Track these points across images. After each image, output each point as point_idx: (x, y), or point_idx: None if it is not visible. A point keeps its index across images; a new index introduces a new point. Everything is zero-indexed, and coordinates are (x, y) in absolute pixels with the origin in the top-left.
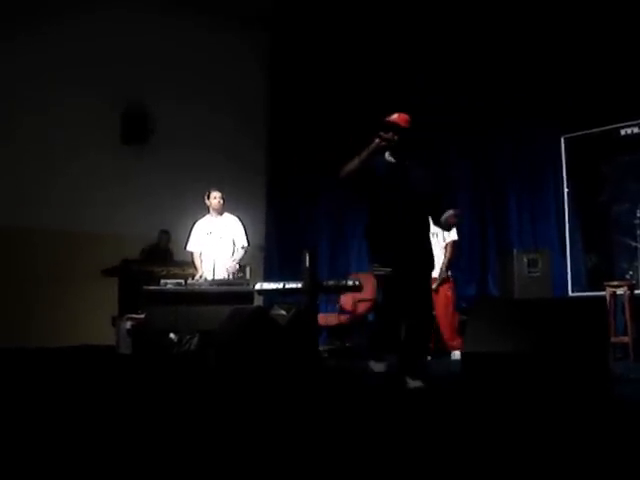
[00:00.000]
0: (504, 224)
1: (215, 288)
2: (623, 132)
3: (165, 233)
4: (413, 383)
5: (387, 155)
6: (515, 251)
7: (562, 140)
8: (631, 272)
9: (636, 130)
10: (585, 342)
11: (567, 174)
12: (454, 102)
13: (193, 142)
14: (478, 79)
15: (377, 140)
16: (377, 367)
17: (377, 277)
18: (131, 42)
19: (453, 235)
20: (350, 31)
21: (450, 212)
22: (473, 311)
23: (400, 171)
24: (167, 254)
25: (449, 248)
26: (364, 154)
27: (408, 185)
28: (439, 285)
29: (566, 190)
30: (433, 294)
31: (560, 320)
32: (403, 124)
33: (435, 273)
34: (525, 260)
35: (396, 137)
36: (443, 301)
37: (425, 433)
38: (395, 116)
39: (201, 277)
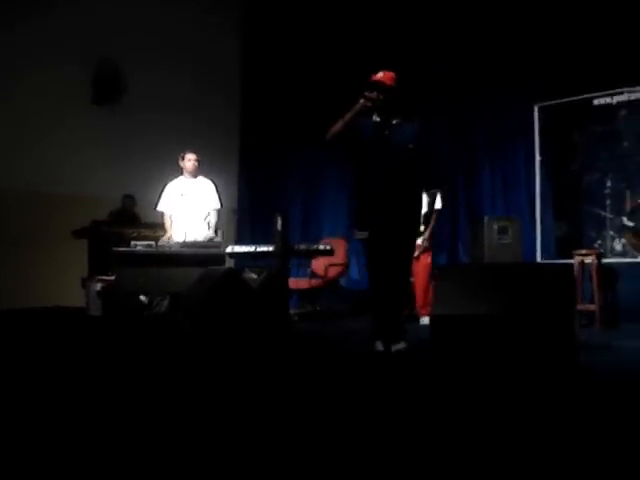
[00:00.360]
0: (475, 191)
1: (186, 250)
2: (596, 102)
3: (129, 197)
4: (396, 346)
5: (374, 116)
6: (485, 218)
7: (535, 109)
8: (599, 241)
9: (609, 100)
10: (551, 307)
11: (540, 143)
12: (429, 71)
13: (166, 104)
14: (453, 48)
15: (362, 100)
16: (380, 346)
17: (361, 242)
18: (102, 2)
19: (437, 204)
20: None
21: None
22: (441, 276)
23: (386, 131)
24: (134, 218)
25: (432, 217)
26: (348, 115)
27: (394, 146)
28: (420, 253)
29: (538, 158)
30: (414, 261)
31: (527, 285)
32: (389, 82)
33: (418, 241)
34: (495, 227)
35: (381, 96)
36: (423, 269)
37: (393, 398)
38: (380, 74)
39: (170, 239)
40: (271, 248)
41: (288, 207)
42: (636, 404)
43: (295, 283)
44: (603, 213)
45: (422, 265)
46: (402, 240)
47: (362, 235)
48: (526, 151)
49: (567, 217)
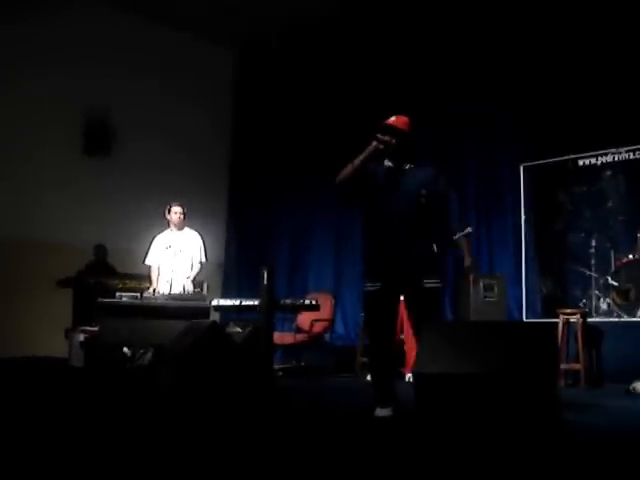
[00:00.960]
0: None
1: (171, 302)
2: (581, 163)
3: (100, 247)
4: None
5: (386, 161)
6: (472, 276)
7: (521, 168)
8: (584, 300)
9: (593, 161)
10: (534, 366)
11: (525, 202)
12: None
13: (153, 155)
14: (440, 105)
15: (374, 143)
16: (382, 412)
17: (365, 295)
18: (94, 46)
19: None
20: (318, 32)
21: (468, 230)
22: (425, 332)
23: (398, 177)
24: (111, 269)
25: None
26: (360, 158)
27: (407, 192)
28: None
29: (523, 217)
30: (404, 317)
31: (511, 344)
32: (401, 127)
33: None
34: (481, 285)
35: (394, 140)
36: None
37: (371, 456)
38: (393, 118)
39: (155, 291)
40: (257, 302)
41: (275, 260)
42: (617, 463)
43: (280, 338)
44: (588, 272)
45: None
46: (422, 292)
47: (373, 287)
48: (512, 210)
49: (552, 276)
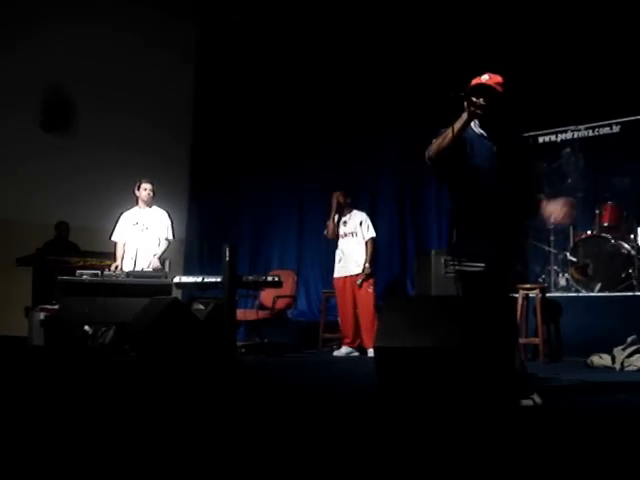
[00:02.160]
0: (424, 225)
1: (132, 280)
2: (541, 140)
3: (62, 224)
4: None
5: (475, 127)
6: (432, 251)
7: None
8: (544, 276)
9: (553, 138)
10: (493, 340)
11: None
12: (380, 99)
13: (115, 132)
14: (400, 81)
15: (471, 108)
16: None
17: (462, 276)
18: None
19: (372, 232)
20: (275, 34)
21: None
22: (386, 307)
23: (495, 146)
24: (73, 246)
25: (369, 245)
26: (456, 125)
27: (506, 163)
28: (363, 281)
29: None
30: (356, 289)
31: (470, 318)
32: (497, 88)
33: (359, 269)
34: (442, 261)
35: (488, 104)
36: (365, 298)
37: (328, 430)
38: (486, 77)
39: (117, 268)
40: (219, 279)
41: (238, 238)
42: (572, 436)
43: (243, 314)
44: (547, 248)
45: (364, 294)
46: (507, 275)
47: (476, 267)
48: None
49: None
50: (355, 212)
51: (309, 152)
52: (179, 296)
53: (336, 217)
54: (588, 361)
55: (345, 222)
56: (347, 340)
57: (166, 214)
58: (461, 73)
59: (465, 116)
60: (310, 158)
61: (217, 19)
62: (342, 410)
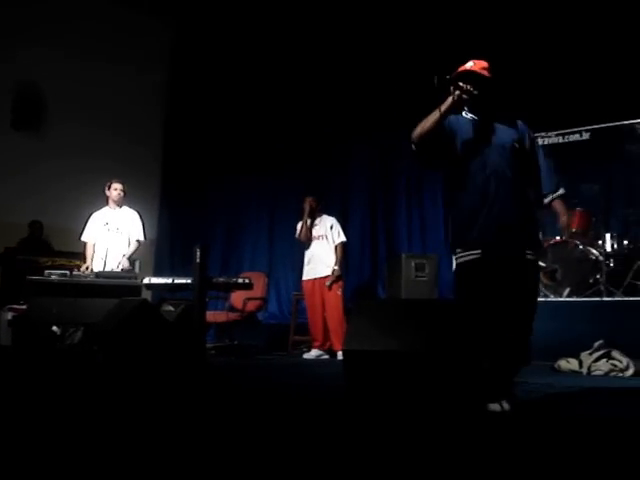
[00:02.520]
0: (395, 229)
1: (102, 280)
2: None
3: (36, 223)
4: (494, 406)
5: (467, 114)
6: (403, 255)
7: None
8: None
9: None
10: (457, 343)
11: None
12: (350, 104)
13: (87, 132)
14: (371, 85)
15: (456, 92)
16: (492, 407)
17: (458, 268)
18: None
19: (342, 237)
20: (246, 40)
21: (561, 191)
22: (355, 310)
23: (487, 130)
24: (46, 245)
25: (339, 249)
26: (442, 109)
27: (500, 147)
28: (332, 283)
29: None
30: (325, 292)
31: (437, 321)
32: (482, 72)
33: (328, 270)
34: (413, 264)
35: (476, 90)
36: (333, 300)
37: (299, 429)
38: (471, 63)
39: (87, 268)
40: (189, 281)
41: (210, 240)
42: (535, 437)
43: (212, 316)
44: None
45: (333, 296)
46: (525, 265)
47: (471, 255)
48: (444, 190)
49: None
50: (325, 216)
51: (281, 155)
52: (149, 297)
53: (308, 221)
54: (556, 365)
55: (316, 225)
56: (317, 343)
57: (137, 214)
58: (431, 78)
59: (450, 101)
60: (282, 161)
61: (191, 24)
62: (309, 412)
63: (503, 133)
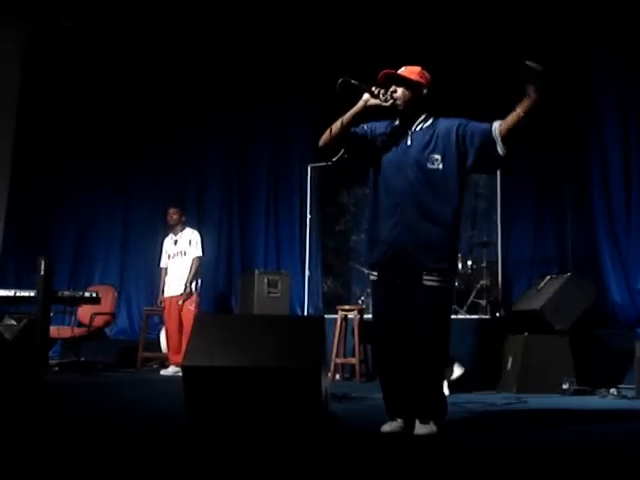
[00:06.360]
0: (250, 244)
1: None
2: None
3: None
4: (424, 427)
5: (396, 121)
6: (256, 271)
7: (309, 168)
8: (363, 297)
9: None
10: (301, 359)
11: (311, 201)
12: (208, 115)
13: None
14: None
15: (365, 95)
16: (386, 427)
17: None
18: None
19: (198, 251)
20: (102, 35)
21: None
22: (197, 325)
23: (407, 140)
24: None
25: (194, 263)
26: (346, 115)
27: (414, 157)
28: (185, 299)
29: (309, 216)
30: (181, 308)
31: (279, 337)
32: (413, 77)
33: (181, 289)
34: (266, 281)
35: (395, 94)
36: (187, 316)
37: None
38: (402, 69)
39: None
40: (32, 293)
41: (58, 251)
42: (378, 451)
43: (57, 331)
44: (367, 271)
45: (187, 312)
46: (434, 287)
47: (371, 276)
48: (300, 209)
49: (334, 274)
50: (187, 230)
51: (134, 164)
52: None
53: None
54: None
55: (176, 242)
56: (174, 359)
57: None
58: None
59: (358, 106)
60: (136, 170)
61: (47, 21)
62: (145, 432)
63: (424, 147)
